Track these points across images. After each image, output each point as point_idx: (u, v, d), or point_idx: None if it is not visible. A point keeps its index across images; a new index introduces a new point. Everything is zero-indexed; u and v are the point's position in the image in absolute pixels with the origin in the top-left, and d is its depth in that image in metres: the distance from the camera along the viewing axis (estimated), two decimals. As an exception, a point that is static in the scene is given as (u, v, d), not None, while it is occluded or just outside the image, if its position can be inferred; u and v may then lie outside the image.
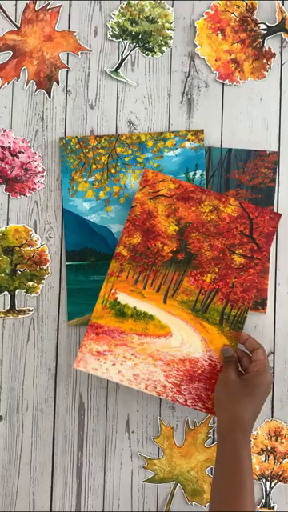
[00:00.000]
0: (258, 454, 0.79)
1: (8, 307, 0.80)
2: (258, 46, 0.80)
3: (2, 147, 0.80)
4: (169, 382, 0.74)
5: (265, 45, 0.80)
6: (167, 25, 0.80)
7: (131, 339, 0.75)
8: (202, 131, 0.79)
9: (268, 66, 0.80)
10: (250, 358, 0.72)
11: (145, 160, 0.80)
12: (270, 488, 0.78)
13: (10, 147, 0.80)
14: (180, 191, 0.77)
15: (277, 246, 0.80)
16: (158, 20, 0.80)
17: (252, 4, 0.80)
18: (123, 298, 0.75)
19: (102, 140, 0.80)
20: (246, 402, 0.66)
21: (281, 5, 0.80)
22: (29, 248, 0.80)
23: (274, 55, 0.80)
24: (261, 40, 0.80)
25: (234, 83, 0.80)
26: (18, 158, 0.80)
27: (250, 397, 0.66)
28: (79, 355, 0.74)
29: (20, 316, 0.80)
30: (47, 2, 0.80)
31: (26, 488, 0.80)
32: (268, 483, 0.78)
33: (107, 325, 0.75)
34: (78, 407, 0.80)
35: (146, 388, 0.74)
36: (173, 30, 0.80)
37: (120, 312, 0.75)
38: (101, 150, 0.80)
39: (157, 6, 0.80)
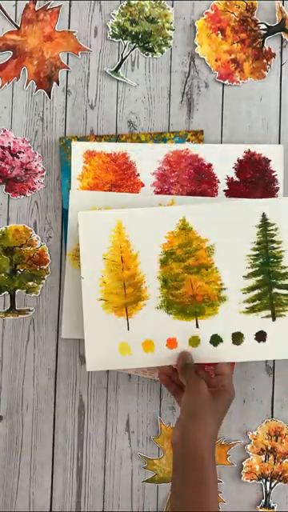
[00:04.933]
0: (258, 454, 0.79)
1: (8, 307, 0.80)
2: (258, 45, 0.80)
3: (2, 147, 0.80)
4: None
5: (265, 45, 0.80)
6: (167, 25, 0.80)
7: None
8: (201, 132, 0.79)
9: (268, 66, 0.80)
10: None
11: (145, 160, 0.80)
12: (270, 488, 0.79)
13: (10, 147, 0.80)
14: None
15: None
16: (158, 20, 0.80)
17: (252, 4, 0.80)
18: None
19: (102, 140, 0.80)
20: (219, 419, 0.64)
21: (281, 5, 0.80)
22: (29, 248, 0.80)
23: (274, 55, 0.80)
24: (261, 40, 0.80)
25: (234, 83, 0.80)
26: (18, 157, 0.80)
27: (220, 414, 0.65)
28: None
29: (20, 316, 0.80)
30: (47, 2, 0.80)
31: (25, 488, 0.80)
32: (268, 483, 0.79)
33: None
34: (78, 407, 0.80)
35: (159, 377, 0.76)
36: (173, 30, 0.80)
37: None
38: (101, 150, 0.80)
39: (157, 6, 0.80)
